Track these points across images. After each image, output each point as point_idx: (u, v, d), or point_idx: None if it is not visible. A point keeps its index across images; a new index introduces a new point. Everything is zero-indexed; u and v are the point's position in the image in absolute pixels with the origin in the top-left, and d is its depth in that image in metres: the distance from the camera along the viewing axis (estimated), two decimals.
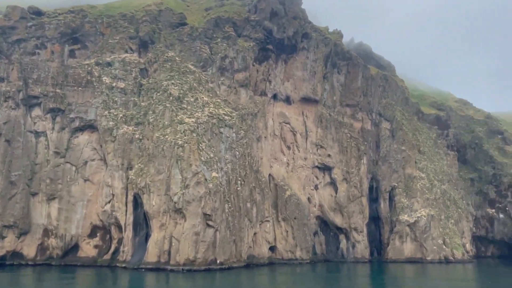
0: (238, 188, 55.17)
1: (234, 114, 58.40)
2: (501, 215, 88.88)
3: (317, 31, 72.01)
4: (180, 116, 54.87)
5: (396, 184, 73.38)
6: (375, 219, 72.02)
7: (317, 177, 67.60)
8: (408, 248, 70.46)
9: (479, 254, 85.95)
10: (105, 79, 56.83)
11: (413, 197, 73.60)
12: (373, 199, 72.25)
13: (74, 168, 55.28)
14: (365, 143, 72.55)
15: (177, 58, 59.59)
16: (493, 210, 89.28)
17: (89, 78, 56.97)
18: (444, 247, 72.70)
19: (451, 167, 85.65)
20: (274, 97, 66.13)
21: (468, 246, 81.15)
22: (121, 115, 56.01)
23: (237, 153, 56.63)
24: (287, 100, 67.23)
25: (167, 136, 53.40)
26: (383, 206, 72.41)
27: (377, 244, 72.10)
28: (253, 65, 63.89)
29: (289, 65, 67.64)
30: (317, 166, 67.78)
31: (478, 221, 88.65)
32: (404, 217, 71.27)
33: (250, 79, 63.01)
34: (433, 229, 72.34)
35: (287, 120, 66.57)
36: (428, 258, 69.73)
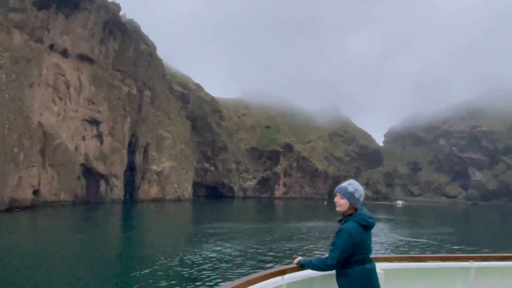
0: (5, 132, 42.91)
1: (5, 55, 44.42)
2: (212, 168, 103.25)
3: None
4: None
5: (150, 141, 73.56)
6: (131, 168, 70.33)
7: (85, 129, 59.73)
8: (154, 191, 72.51)
9: (196, 194, 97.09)
10: None
11: (161, 152, 75.81)
12: (132, 151, 70.07)
13: None
14: (131, 105, 68.93)
15: None
16: (208, 165, 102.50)
17: None
18: (178, 189, 78.73)
19: (187, 132, 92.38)
20: (51, 47, 53.73)
21: (190, 189, 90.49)
22: None
23: (7, 95, 43.67)
24: (64, 53, 55.83)
25: None
26: (139, 157, 71.38)
27: (130, 188, 70.91)
28: (32, 10, 49.82)
29: (70, 21, 56.15)
30: (86, 120, 59.80)
31: (198, 171, 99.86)
32: (154, 167, 72.70)
33: (27, 23, 48.96)
34: (172, 177, 77.02)
35: (62, 72, 55.44)
36: (167, 198, 74.09)
